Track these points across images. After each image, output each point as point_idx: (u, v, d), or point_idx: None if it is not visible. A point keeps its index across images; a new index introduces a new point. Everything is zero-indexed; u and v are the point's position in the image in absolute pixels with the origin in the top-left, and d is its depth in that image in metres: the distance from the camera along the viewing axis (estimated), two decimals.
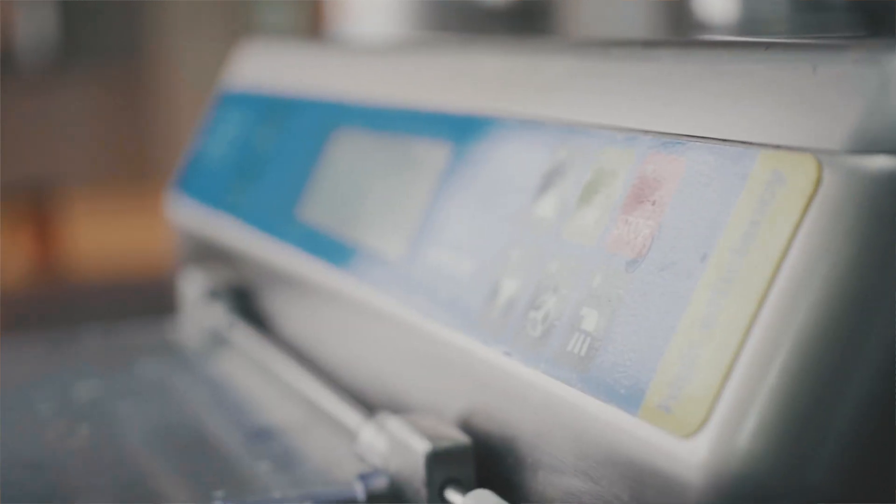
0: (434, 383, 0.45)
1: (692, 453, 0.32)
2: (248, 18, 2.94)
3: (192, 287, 0.65)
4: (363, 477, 0.43)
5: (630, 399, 0.34)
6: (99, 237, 2.64)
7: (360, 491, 0.43)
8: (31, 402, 0.52)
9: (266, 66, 0.72)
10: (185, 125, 2.76)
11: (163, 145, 3.14)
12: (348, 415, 0.48)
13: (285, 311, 0.59)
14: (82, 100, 3.22)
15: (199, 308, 0.63)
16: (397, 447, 0.43)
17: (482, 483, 0.41)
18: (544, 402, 0.38)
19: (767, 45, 0.36)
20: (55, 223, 2.67)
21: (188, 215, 0.71)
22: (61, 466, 0.45)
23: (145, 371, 0.58)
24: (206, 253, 0.68)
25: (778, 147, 0.34)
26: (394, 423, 0.43)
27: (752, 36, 0.56)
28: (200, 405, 0.53)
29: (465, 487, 0.40)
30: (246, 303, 0.63)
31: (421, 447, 0.41)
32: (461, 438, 0.41)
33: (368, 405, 0.49)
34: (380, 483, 0.43)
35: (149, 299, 0.81)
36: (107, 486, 0.44)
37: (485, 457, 0.41)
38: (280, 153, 0.63)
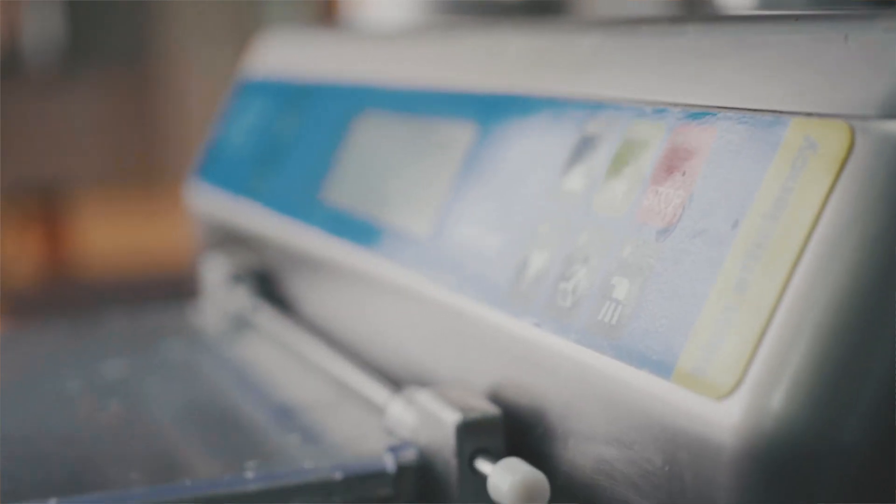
0: (462, 359, 0.46)
1: (726, 415, 0.32)
2: (256, 19, 2.95)
3: (215, 272, 0.65)
4: (393, 449, 0.44)
5: (663, 364, 0.35)
6: (107, 238, 2.64)
7: (389, 462, 0.43)
8: (60, 380, 0.52)
9: (286, 55, 0.73)
10: (193, 127, 2.76)
11: (170, 147, 3.14)
12: (376, 390, 0.48)
13: (309, 293, 0.59)
14: (89, 102, 3.23)
15: (221, 292, 0.64)
16: (427, 419, 0.43)
17: (512, 454, 0.41)
18: (575, 371, 0.38)
19: (797, 17, 0.37)
20: (64, 224, 2.67)
21: (209, 202, 0.72)
22: (92, 439, 0.46)
23: (170, 351, 0.58)
24: (228, 239, 0.68)
25: (810, 115, 0.34)
26: (423, 396, 0.44)
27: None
28: (226, 384, 0.53)
29: (495, 457, 0.41)
30: (269, 287, 0.63)
31: (451, 418, 0.41)
32: (491, 409, 0.42)
33: (395, 383, 0.49)
34: (409, 455, 0.43)
35: (157, 297, 0.81)
36: (137, 456, 0.44)
37: (514, 428, 0.42)
38: (302, 138, 0.63)
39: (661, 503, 0.35)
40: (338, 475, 0.42)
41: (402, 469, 0.43)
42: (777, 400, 0.32)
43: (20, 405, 0.50)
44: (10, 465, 0.43)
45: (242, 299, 0.62)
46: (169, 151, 3.13)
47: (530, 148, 0.46)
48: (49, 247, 2.61)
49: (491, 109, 0.49)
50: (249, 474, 0.42)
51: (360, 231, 0.54)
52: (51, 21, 3.13)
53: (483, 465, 0.41)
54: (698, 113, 0.38)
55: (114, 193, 2.98)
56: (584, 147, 0.42)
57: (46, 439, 0.46)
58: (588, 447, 0.38)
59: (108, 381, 0.53)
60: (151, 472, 0.43)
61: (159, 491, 0.41)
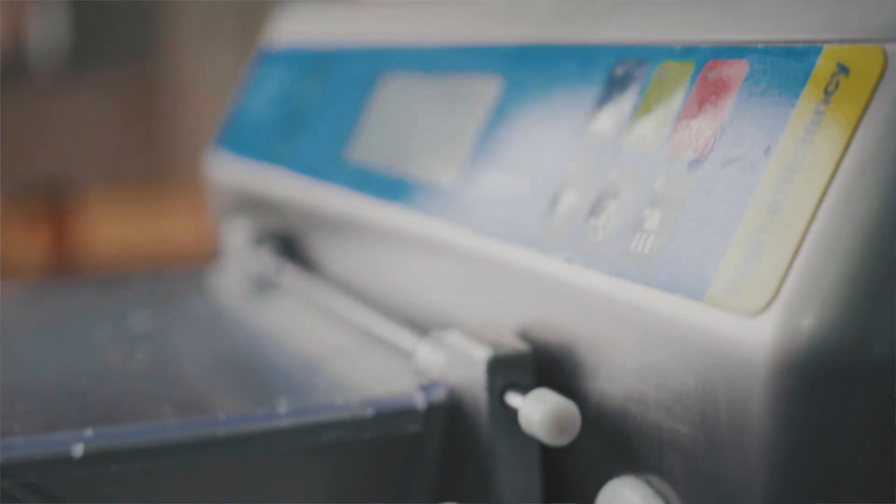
0: (490, 305, 0.46)
1: (759, 331, 0.33)
2: (262, 19, 2.95)
3: (237, 235, 0.66)
4: (423, 387, 0.44)
5: (695, 287, 0.35)
6: (113, 235, 2.65)
7: (420, 400, 0.44)
8: (89, 330, 0.53)
9: (306, 26, 0.73)
10: (199, 126, 2.77)
11: (176, 146, 3.15)
12: (403, 337, 0.49)
13: (334, 252, 0.60)
14: (95, 102, 3.24)
15: (244, 255, 0.64)
16: (456, 357, 0.43)
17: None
18: (607, 302, 0.39)
19: None
20: (70, 222, 2.68)
21: (229, 171, 0.72)
22: (125, 380, 0.46)
23: (194, 308, 0.59)
24: (248, 207, 0.69)
25: (841, 41, 0.35)
26: (452, 336, 0.44)
27: None
28: (252, 336, 0.54)
29: (525, 393, 0.41)
30: (291, 249, 0.64)
31: (481, 354, 0.42)
32: (521, 345, 0.42)
33: (422, 332, 0.50)
34: (439, 393, 0.44)
35: None
36: (169, 395, 0.45)
37: (544, 366, 0.42)
38: (326, 102, 0.64)
39: (694, 425, 0.36)
40: (369, 411, 0.43)
41: (433, 407, 0.44)
42: (810, 316, 0.32)
43: (53, 351, 0.51)
44: (48, 402, 0.44)
45: (266, 260, 0.63)
46: (175, 150, 3.14)
47: (557, 95, 0.46)
48: (55, 244, 2.61)
49: (516, 61, 0.50)
50: (281, 410, 0.42)
51: (385, 186, 0.55)
52: (55, 21, 3.14)
53: (513, 399, 0.41)
54: (728, 48, 0.39)
55: (120, 192, 2.99)
56: (612, 89, 0.43)
57: (80, 379, 0.46)
58: (619, 377, 0.39)
59: (136, 331, 0.54)
60: (184, 408, 0.44)
61: (193, 423, 0.41)
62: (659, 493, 0.37)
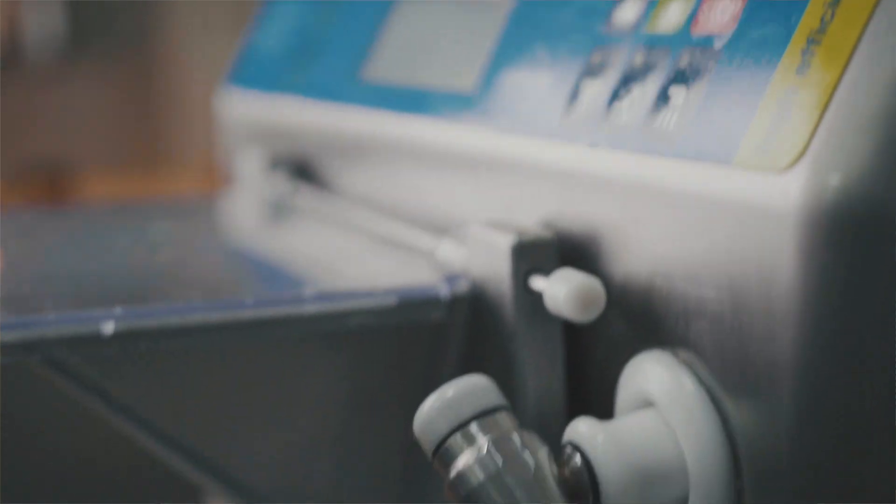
0: (514, 202, 0.46)
1: (789, 187, 0.33)
2: (257, 5, 2.95)
3: (250, 163, 0.66)
4: (447, 278, 0.44)
5: (724, 153, 0.36)
6: None
7: (443, 290, 0.44)
8: (112, 237, 0.53)
9: None
10: (194, 113, 2.77)
11: (172, 132, 3.15)
12: (424, 239, 0.49)
13: (352, 172, 0.60)
14: (91, 90, 3.24)
15: (257, 181, 0.64)
16: (479, 247, 0.44)
17: None
18: (634, 180, 0.39)
19: None
20: (68, 207, 2.68)
21: (242, 105, 0.73)
22: (151, 273, 0.46)
23: (211, 223, 0.59)
24: (262, 138, 0.69)
25: None
26: (475, 228, 0.44)
27: None
28: (272, 248, 0.54)
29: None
30: (306, 174, 0.64)
31: (505, 241, 0.42)
32: (544, 231, 0.43)
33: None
34: (462, 284, 0.44)
35: None
36: (193, 285, 0.45)
37: (567, 253, 0.42)
38: (340, 25, 0.64)
39: (721, 289, 0.36)
40: (393, 299, 0.43)
41: (456, 297, 0.44)
42: (838, 172, 0.33)
43: (80, 254, 0.51)
44: (78, 290, 0.44)
45: (281, 184, 0.63)
46: (171, 136, 3.14)
47: None
48: None
49: None
50: (307, 296, 0.43)
51: (404, 100, 0.55)
52: (51, 9, 3.14)
53: (538, 282, 0.41)
54: None
55: (117, 177, 2.99)
56: None
57: (109, 273, 0.47)
58: (645, 254, 0.39)
59: (157, 238, 0.54)
60: (212, 293, 0.44)
61: (221, 304, 0.42)
62: (686, 364, 0.38)
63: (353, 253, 0.53)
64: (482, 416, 0.38)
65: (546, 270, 0.42)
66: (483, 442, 0.37)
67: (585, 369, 0.42)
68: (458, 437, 0.37)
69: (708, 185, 0.36)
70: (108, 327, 0.40)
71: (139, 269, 0.48)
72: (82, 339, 0.40)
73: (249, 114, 0.71)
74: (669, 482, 0.37)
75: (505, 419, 0.38)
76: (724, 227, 0.36)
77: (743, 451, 0.36)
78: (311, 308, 0.42)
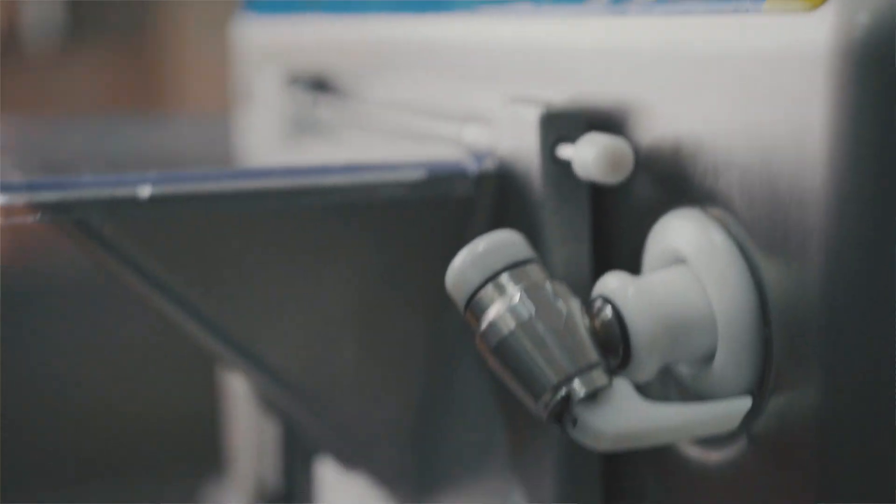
0: (541, 84, 0.46)
1: (820, 26, 0.34)
2: None
3: (267, 80, 0.66)
4: (475, 155, 0.45)
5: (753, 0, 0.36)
6: None
7: (472, 165, 0.45)
8: (135, 130, 0.54)
9: None
10: (193, 101, 2.78)
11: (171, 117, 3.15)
12: (450, 126, 0.49)
13: (373, 82, 0.60)
14: (90, 76, 3.24)
15: (276, 97, 0.65)
16: (507, 123, 0.44)
17: None
18: (661, 42, 0.40)
19: None
20: None
21: (258, 31, 0.73)
22: (183, 149, 0.47)
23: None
24: (281, 59, 0.69)
25: None
26: (501, 106, 0.45)
27: None
28: (296, 149, 0.55)
29: None
30: (325, 89, 0.64)
31: (533, 112, 0.43)
32: (571, 104, 0.43)
33: None
34: (490, 162, 0.45)
35: None
36: (228, 161, 0.46)
37: (594, 125, 0.43)
38: None
39: (751, 137, 0.36)
40: (421, 173, 0.44)
41: (483, 173, 0.45)
42: (866, 10, 0.33)
43: (107, 139, 0.51)
44: (111, 163, 0.45)
45: (300, 97, 0.63)
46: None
47: None
48: None
49: None
50: (336, 167, 0.43)
51: (421, 2, 0.56)
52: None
53: (565, 150, 0.42)
54: None
55: None
56: None
57: (140, 149, 0.47)
58: (674, 116, 0.40)
59: (182, 132, 0.55)
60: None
61: (251, 174, 0.42)
62: (715, 218, 0.38)
63: (382, 145, 0.53)
64: (513, 267, 0.38)
65: (573, 139, 0.42)
66: (514, 291, 0.38)
67: (612, 238, 0.43)
68: (489, 288, 0.38)
69: (739, 34, 0.37)
70: (145, 191, 0.40)
71: (171, 146, 0.49)
72: (118, 202, 0.40)
73: (265, 38, 0.72)
74: (698, 333, 0.38)
75: (536, 270, 0.38)
76: (754, 75, 0.36)
77: (772, 301, 0.37)
78: (339, 178, 0.43)
